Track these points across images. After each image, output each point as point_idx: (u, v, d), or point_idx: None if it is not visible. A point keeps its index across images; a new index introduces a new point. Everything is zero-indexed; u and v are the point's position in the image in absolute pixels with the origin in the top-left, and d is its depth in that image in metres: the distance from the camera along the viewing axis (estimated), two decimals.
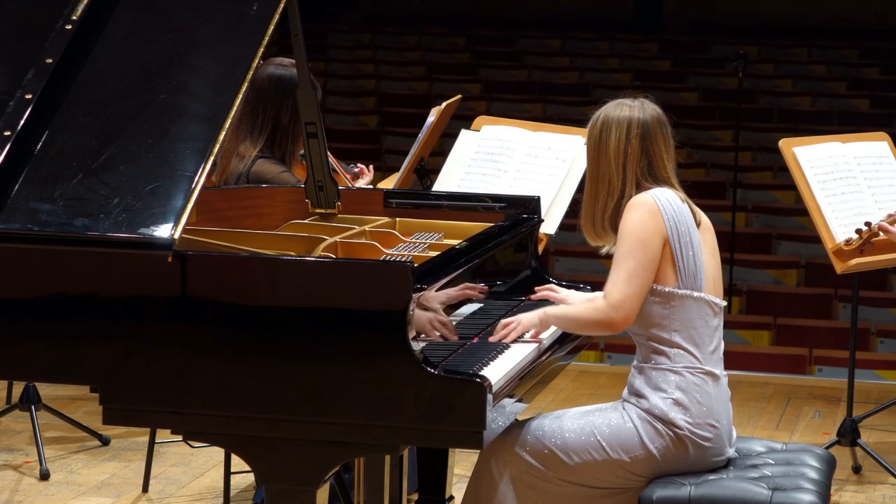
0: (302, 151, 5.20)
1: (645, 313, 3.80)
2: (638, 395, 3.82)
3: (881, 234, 5.37)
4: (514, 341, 3.90)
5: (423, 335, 3.60)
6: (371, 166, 5.52)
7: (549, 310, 3.94)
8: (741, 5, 15.94)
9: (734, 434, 3.94)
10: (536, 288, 4.20)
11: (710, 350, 3.85)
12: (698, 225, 3.88)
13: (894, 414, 6.64)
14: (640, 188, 3.85)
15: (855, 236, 5.43)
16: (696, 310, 3.82)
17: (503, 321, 3.94)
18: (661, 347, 3.82)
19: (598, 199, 3.88)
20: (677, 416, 3.77)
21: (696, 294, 3.81)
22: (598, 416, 3.85)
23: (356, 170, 5.48)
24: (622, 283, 3.76)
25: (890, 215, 5.39)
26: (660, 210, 3.79)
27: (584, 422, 3.84)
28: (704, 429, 3.79)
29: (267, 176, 4.77)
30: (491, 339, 3.90)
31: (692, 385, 3.79)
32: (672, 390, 3.79)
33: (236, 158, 4.83)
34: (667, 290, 3.79)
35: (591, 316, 3.82)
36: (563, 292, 4.15)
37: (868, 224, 5.40)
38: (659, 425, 3.78)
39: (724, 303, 3.92)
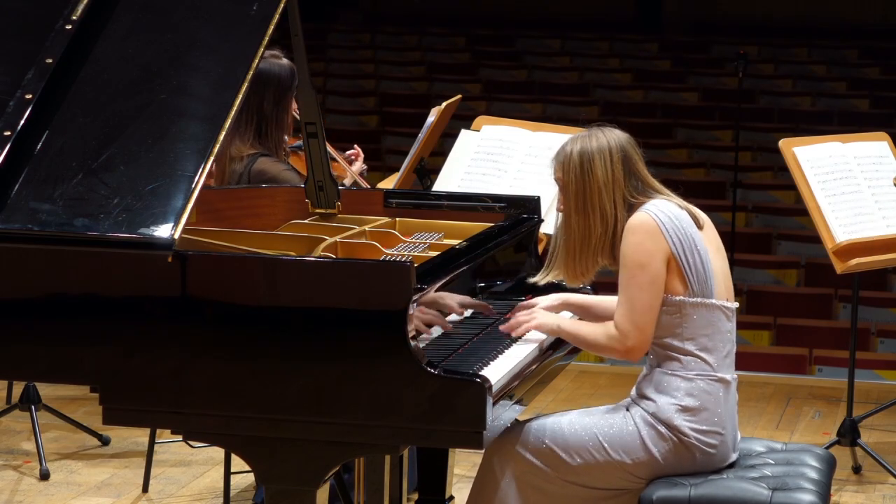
0: (297, 143, 5.21)
1: (657, 322, 3.79)
2: (645, 397, 3.81)
3: None
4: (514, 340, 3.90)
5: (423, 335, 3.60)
6: (357, 148, 5.51)
7: (564, 325, 3.91)
8: (741, 5, 15.93)
9: (738, 437, 3.94)
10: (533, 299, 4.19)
11: (723, 355, 3.84)
12: (701, 227, 3.86)
13: (894, 414, 6.64)
14: (632, 207, 3.82)
15: None
16: (709, 317, 3.81)
17: (521, 307, 3.95)
18: (674, 354, 3.80)
19: (593, 232, 3.82)
20: (683, 422, 3.77)
21: (707, 301, 3.80)
22: (601, 417, 3.84)
23: (352, 155, 5.47)
24: (629, 312, 3.75)
25: None
26: (660, 228, 3.76)
27: (586, 422, 3.84)
28: (710, 436, 3.79)
29: (269, 173, 4.76)
30: (502, 327, 3.92)
31: (703, 392, 3.78)
32: (682, 396, 3.78)
33: (231, 160, 4.82)
34: (677, 299, 3.77)
35: (604, 344, 3.81)
36: (549, 299, 4.13)
37: None
38: (663, 429, 3.77)
39: (736, 305, 3.91)
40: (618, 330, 3.77)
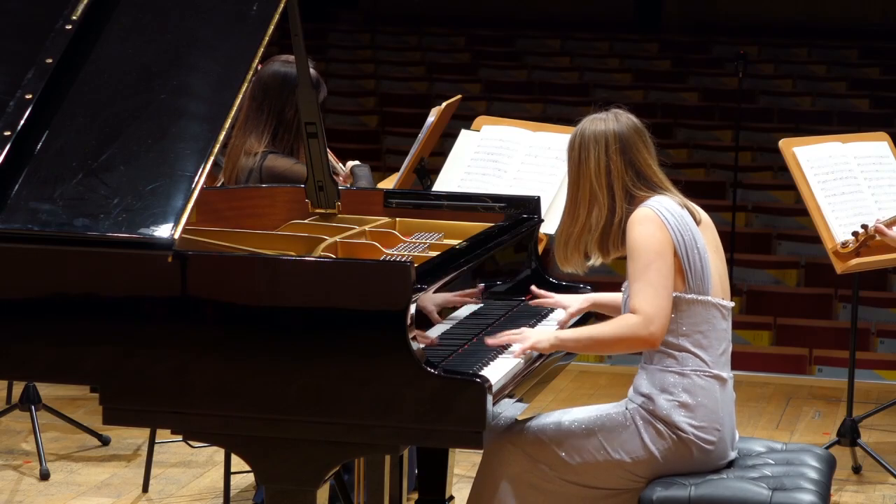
0: None
1: None
2: (643, 395, 3.81)
3: (877, 236, 5.38)
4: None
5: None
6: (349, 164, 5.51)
7: (562, 334, 3.86)
8: (741, 5, 15.93)
9: (736, 436, 3.94)
10: (532, 299, 4.17)
11: (719, 353, 3.84)
12: (698, 223, 3.87)
13: (894, 414, 6.64)
14: (633, 199, 3.82)
15: (851, 238, 5.44)
16: (704, 314, 3.81)
17: (509, 334, 3.83)
18: (670, 351, 3.80)
19: (578, 220, 3.83)
20: (681, 419, 3.77)
21: (703, 298, 3.79)
22: (601, 417, 3.84)
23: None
24: (652, 297, 3.70)
25: (878, 221, 5.41)
26: (663, 222, 3.76)
27: (586, 421, 3.83)
28: (708, 432, 3.79)
29: (279, 169, 4.81)
30: (490, 341, 3.82)
31: (699, 388, 3.78)
32: (679, 393, 3.78)
33: (244, 155, 4.89)
34: (675, 295, 3.77)
35: (627, 334, 3.72)
36: (557, 296, 4.13)
37: (864, 227, 5.40)
38: (662, 427, 3.77)
39: (732, 304, 3.91)
40: (642, 315, 3.70)
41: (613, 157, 3.82)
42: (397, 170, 5.49)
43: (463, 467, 5.56)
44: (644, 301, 3.71)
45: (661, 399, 3.78)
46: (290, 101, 4.86)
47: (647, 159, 3.86)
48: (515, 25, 15.62)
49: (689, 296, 3.79)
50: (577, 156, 3.84)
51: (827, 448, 4.79)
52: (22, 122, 3.69)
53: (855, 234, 5.44)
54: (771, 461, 3.93)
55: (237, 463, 4.65)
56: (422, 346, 3.48)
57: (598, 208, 3.82)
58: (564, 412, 3.92)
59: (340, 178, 5.37)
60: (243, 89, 3.69)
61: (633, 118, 3.89)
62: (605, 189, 3.82)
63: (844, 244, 5.47)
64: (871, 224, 5.40)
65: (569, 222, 3.87)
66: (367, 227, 4.29)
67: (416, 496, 4.38)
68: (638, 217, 3.78)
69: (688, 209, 3.86)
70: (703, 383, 3.79)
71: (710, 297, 3.81)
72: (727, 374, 3.86)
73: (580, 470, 3.81)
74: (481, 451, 3.83)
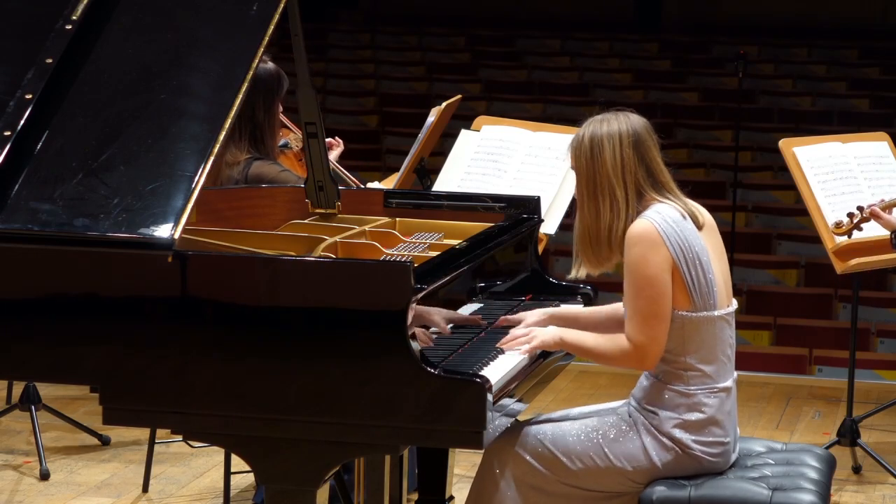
0: (282, 142, 5.21)
1: None
2: (648, 409, 3.78)
3: (872, 219, 5.32)
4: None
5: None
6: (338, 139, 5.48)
7: (567, 336, 3.85)
8: (741, 5, 15.93)
9: (737, 433, 3.93)
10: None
11: (724, 361, 3.81)
12: (701, 227, 3.81)
13: (894, 414, 6.64)
14: (642, 199, 3.77)
15: (846, 219, 5.41)
16: (711, 328, 3.77)
17: (515, 332, 3.85)
18: (675, 370, 3.76)
19: (602, 218, 3.77)
20: (687, 437, 3.74)
21: (710, 315, 3.75)
22: (604, 423, 3.81)
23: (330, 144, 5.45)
24: (642, 325, 3.69)
25: (882, 200, 5.37)
26: (662, 238, 3.70)
27: (588, 427, 3.81)
28: (715, 446, 3.77)
29: (268, 177, 4.77)
30: (500, 344, 3.83)
31: (705, 406, 3.75)
32: (683, 412, 3.75)
33: (226, 167, 4.80)
34: (681, 314, 3.72)
35: (621, 359, 3.74)
36: (518, 315, 4.04)
37: (860, 208, 5.36)
38: (667, 441, 3.75)
39: (735, 306, 3.88)
40: (631, 343, 3.71)
41: (627, 151, 3.77)
42: (397, 170, 5.48)
43: (463, 467, 5.56)
44: (635, 330, 3.71)
45: (665, 416, 3.75)
46: (258, 101, 4.78)
47: (657, 156, 3.83)
48: (515, 25, 15.62)
49: (697, 315, 3.73)
50: (590, 152, 3.77)
51: (827, 448, 4.79)
52: (22, 122, 3.69)
53: (850, 214, 5.40)
54: (771, 461, 3.93)
55: (237, 463, 4.65)
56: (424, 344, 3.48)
57: (616, 204, 3.77)
58: (565, 414, 3.91)
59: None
60: (243, 89, 3.69)
61: (641, 117, 3.86)
62: (622, 183, 3.77)
63: (838, 224, 5.44)
64: (866, 205, 5.34)
65: (592, 220, 3.79)
66: (367, 227, 4.29)
67: (416, 496, 4.38)
68: (634, 236, 3.72)
69: (691, 215, 3.81)
70: (709, 401, 3.76)
71: (716, 312, 3.77)
72: (731, 380, 3.83)
73: (581, 475, 3.79)
74: (481, 452, 3.83)
